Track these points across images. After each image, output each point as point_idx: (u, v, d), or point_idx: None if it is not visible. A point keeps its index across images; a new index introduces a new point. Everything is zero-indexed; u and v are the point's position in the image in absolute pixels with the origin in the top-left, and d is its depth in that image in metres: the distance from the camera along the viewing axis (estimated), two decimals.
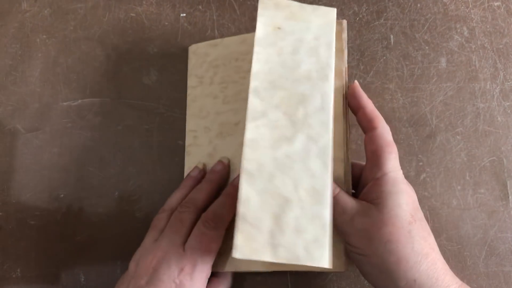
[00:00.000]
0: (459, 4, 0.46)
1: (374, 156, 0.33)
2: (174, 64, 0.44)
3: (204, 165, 0.40)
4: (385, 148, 0.33)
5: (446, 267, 0.31)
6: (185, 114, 0.42)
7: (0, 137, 0.42)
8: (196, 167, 0.39)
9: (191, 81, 0.42)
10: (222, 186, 0.38)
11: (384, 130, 0.33)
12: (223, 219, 0.35)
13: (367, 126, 0.34)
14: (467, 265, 0.39)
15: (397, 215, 0.30)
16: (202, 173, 0.39)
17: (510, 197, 0.41)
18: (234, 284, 0.39)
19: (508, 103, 0.43)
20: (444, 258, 0.39)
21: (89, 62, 0.44)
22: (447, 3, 0.46)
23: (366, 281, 0.39)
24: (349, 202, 0.32)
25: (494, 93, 0.43)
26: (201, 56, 0.42)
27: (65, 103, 0.43)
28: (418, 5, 0.46)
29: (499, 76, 0.44)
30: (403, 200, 0.31)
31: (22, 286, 0.39)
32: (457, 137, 0.42)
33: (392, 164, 0.33)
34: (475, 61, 0.44)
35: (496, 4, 0.46)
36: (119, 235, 0.41)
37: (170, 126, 0.43)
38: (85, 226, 0.41)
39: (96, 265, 0.40)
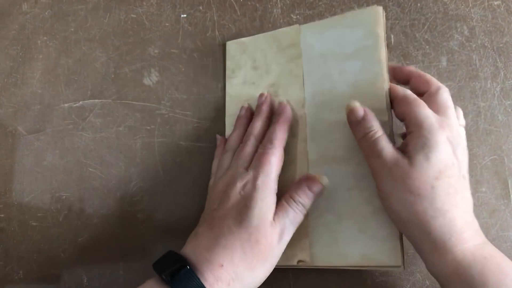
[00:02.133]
0: (459, 3, 0.46)
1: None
2: (175, 65, 0.44)
3: (249, 104, 0.42)
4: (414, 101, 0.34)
5: (469, 225, 0.31)
6: (185, 114, 0.42)
7: (1, 139, 0.42)
8: (242, 107, 0.42)
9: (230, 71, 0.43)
10: (271, 113, 0.41)
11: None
12: (279, 138, 0.37)
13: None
14: None
15: (423, 169, 0.31)
16: (250, 111, 0.42)
17: (511, 195, 0.41)
18: None
19: (509, 102, 0.43)
20: None
21: (90, 63, 0.44)
22: (447, 3, 0.46)
23: (368, 280, 0.39)
24: (386, 147, 0.33)
25: (495, 92, 0.44)
26: (239, 49, 0.43)
27: (66, 105, 0.43)
28: (418, 4, 0.46)
29: (500, 75, 0.44)
30: (434, 154, 0.31)
31: None
32: None
33: (421, 116, 0.33)
34: (475, 60, 0.44)
35: (496, 3, 0.46)
36: (121, 236, 0.41)
37: (171, 126, 0.43)
38: (87, 227, 0.41)
39: (98, 266, 0.40)
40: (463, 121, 0.38)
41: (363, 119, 0.34)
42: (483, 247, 0.31)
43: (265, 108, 0.40)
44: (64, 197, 0.41)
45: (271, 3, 0.46)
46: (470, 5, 0.46)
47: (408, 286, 0.39)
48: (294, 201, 0.35)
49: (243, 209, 0.33)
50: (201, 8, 0.45)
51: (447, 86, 0.43)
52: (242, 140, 0.39)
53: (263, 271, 0.33)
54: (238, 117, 0.42)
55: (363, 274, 0.39)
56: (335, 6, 0.46)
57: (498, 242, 0.40)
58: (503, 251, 0.39)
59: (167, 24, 0.45)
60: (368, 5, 0.45)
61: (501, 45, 0.45)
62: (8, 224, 0.40)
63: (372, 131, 0.34)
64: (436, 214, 0.31)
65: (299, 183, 0.36)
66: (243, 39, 0.44)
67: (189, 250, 0.33)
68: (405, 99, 0.35)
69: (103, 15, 0.45)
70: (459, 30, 0.45)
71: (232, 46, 0.44)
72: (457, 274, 0.30)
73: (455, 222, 0.31)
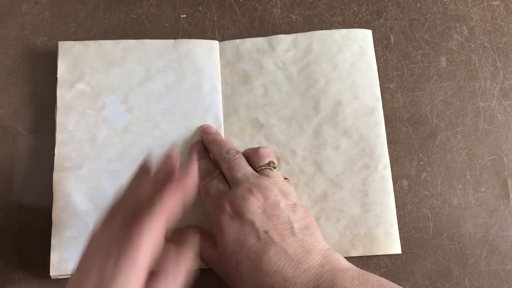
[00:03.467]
0: (459, 3, 0.46)
1: None
2: None
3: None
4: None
5: (291, 280, 0.30)
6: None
7: (1, 139, 0.42)
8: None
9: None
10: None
11: None
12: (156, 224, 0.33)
13: None
14: (469, 264, 0.39)
15: (224, 255, 0.32)
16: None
17: (511, 195, 0.41)
18: None
19: (508, 102, 0.43)
20: (446, 256, 0.39)
21: None
22: (447, 3, 0.46)
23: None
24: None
25: (494, 92, 0.44)
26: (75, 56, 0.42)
27: None
28: (418, 4, 0.46)
29: (499, 75, 0.44)
30: (225, 242, 0.32)
31: None
32: (458, 136, 0.42)
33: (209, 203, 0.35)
34: (475, 60, 0.44)
35: (495, 3, 0.46)
36: None
37: None
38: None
39: None
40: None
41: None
42: None
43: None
44: None
45: (270, 3, 0.46)
46: (470, 5, 0.46)
47: (408, 286, 0.39)
48: None
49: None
50: (200, 8, 0.45)
51: (446, 86, 0.43)
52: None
53: None
54: (192, 148, 0.40)
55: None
56: (334, 7, 0.46)
57: (498, 242, 0.40)
58: (502, 251, 0.39)
59: (166, 25, 0.45)
60: (368, 6, 0.46)
61: (500, 45, 0.45)
62: (8, 225, 0.40)
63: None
64: None
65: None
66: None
67: None
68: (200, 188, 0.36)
69: (103, 15, 0.45)
70: (458, 30, 0.45)
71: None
72: None
73: None
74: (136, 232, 0.26)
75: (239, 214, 0.32)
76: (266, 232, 0.32)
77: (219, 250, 0.33)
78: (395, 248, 0.39)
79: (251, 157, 0.38)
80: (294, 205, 0.34)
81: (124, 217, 0.27)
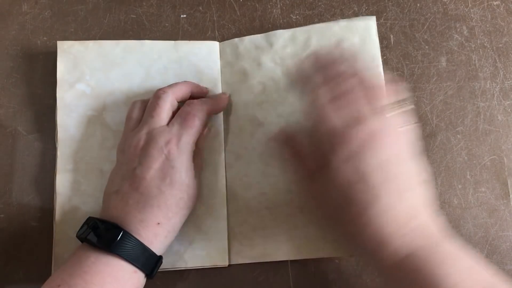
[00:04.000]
0: (459, 3, 0.46)
1: None
2: None
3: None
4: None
5: (395, 237, 0.29)
6: None
7: (1, 139, 0.42)
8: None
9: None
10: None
11: None
12: (206, 104, 0.38)
13: None
14: None
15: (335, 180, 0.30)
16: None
17: (510, 195, 0.41)
18: (236, 285, 0.39)
19: (508, 102, 0.43)
20: None
21: None
22: (447, 3, 0.46)
23: (368, 280, 0.39)
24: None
25: (494, 92, 0.44)
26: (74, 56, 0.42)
27: None
28: (418, 4, 0.46)
29: (499, 75, 0.44)
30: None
31: None
32: (458, 136, 0.42)
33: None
34: (475, 60, 0.44)
35: (495, 3, 0.46)
36: None
37: None
38: None
39: None
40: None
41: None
42: (418, 255, 0.29)
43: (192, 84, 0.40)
44: None
45: (270, 3, 0.46)
46: (470, 5, 0.46)
47: None
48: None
49: (171, 172, 0.34)
50: (200, 8, 0.45)
51: (446, 86, 0.43)
52: (157, 90, 0.38)
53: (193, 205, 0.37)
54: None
55: (363, 274, 0.39)
56: (334, 7, 0.46)
57: (498, 242, 0.40)
58: (502, 251, 0.39)
59: (166, 25, 0.45)
60: (368, 6, 0.46)
61: (500, 45, 0.45)
62: (8, 224, 0.40)
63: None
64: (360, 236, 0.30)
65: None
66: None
67: (116, 212, 0.34)
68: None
69: (103, 15, 0.45)
70: (458, 30, 0.45)
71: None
72: (397, 265, 0.29)
73: (381, 236, 0.29)
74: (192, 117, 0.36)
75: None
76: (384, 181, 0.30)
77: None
78: None
79: None
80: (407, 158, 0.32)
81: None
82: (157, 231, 0.33)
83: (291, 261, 0.39)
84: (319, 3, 0.46)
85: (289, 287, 0.39)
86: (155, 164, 0.34)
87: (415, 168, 0.32)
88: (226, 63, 0.43)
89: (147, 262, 0.33)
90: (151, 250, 0.33)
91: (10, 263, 0.39)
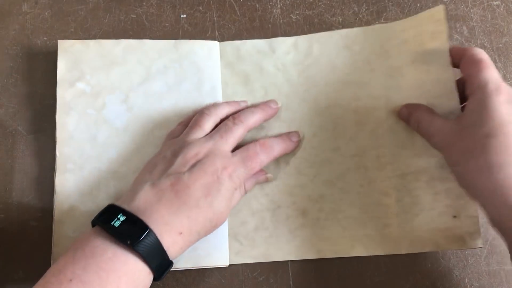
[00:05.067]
0: (459, 3, 0.46)
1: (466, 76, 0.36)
2: None
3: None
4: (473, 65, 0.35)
5: None
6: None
7: (1, 139, 0.42)
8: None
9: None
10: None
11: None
12: (274, 152, 0.39)
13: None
14: (469, 264, 0.39)
15: (474, 128, 0.32)
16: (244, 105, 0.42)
17: None
18: (236, 285, 0.39)
19: None
20: (446, 256, 0.39)
21: None
22: (447, 3, 0.46)
23: (367, 280, 0.39)
24: (434, 124, 0.36)
25: None
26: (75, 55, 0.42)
27: None
28: (418, 4, 0.46)
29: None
30: (489, 112, 0.32)
31: None
32: None
33: (480, 79, 0.34)
34: None
35: (495, 3, 0.46)
36: None
37: None
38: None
39: None
40: None
41: (410, 113, 0.37)
42: None
43: (270, 112, 0.41)
44: None
45: (271, 3, 0.46)
46: (470, 5, 0.46)
47: (408, 286, 0.39)
48: (245, 188, 0.38)
49: (216, 194, 0.34)
50: (201, 8, 0.45)
51: None
52: (233, 116, 0.39)
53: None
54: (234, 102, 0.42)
55: (363, 274, 0.39)
56: (334, 7, 0.46)
57: (498, 242, 0.40)
58: (503, 251, 0.39)
59: (167, 25, 0.45)
60: (368, 6, 0.46)
61: (500, 45, 0.45)
62: (8, 224, 0.40)
63: (418, 120, 0.37)
64: (492, 169, 0.31)
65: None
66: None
67: (144, 204, 0.33)
68: (471, 60, 0.35)
69: (103, 15, 0.45)
70: (458, 30, 0.45)
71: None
72: None
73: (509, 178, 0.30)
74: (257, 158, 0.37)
75: None
76: None
77: (463, 125, 0.34)
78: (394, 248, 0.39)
79: None
80: None
81: None
82: (177, 239, 0.32)
83: (291, 261, 0.39)
84: (319, 3, 0.46)
85: (289, 287, 0.39)
86: (205, 180, 0.34)
87: None
88: (227, 64, 0.43)
89: (161, 266, 0.32)
90: (167, 255, 0.32)
91: (10, 263, 0.39)
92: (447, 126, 0.35)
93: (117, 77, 0.42)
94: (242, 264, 0.39)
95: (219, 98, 0.42)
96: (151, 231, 0.31)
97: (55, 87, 0.41)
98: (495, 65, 0.44)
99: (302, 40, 0.44)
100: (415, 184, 0.39)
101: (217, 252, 0.39)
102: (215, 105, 0.40)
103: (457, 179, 0.35)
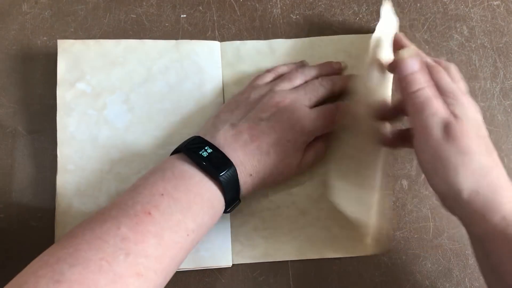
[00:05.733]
0: (459, 3, 0.46)
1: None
2: None
3: None
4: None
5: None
6: None
7: (1, 139, 0.42)
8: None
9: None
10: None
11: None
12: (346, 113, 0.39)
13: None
14: (469, 264, 0.39)
15: (469, 126, 0.31)
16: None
17: None
18: (236, 285, 0.39)
19: (508, 102, 0.43)
20: (446, 256, 0.39)
21: None
22: (447, 3, 0.46)
23: (367, 280, 0.39)
24: (437, 106, 0.32)
25: (494, 92, 0.44)
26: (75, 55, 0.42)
27: None
28: (418, 4, 0.46)
29: (499, 75, 0.44)
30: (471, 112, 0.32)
31: None
32: None
33: (422, 123, 0.32)
34: (475, 60, 0.44)
35: (495, 3, 0.46)
36: None
37: None
38: None
39: None
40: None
41: (418, 72, 0.32)
42: None
43: (344, 82, 0.41)
44: None
45: (270, 3, 0.46)
46: (470, 5, 0.46)
47: (408, 286, 0.39)
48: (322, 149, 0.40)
49: (286, 146, 0.36)
50: (201, 8, 0.45)
51: None
52: (320, 79, 0.40)
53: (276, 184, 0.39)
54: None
55: (363, 274, 0.39)
56: (334, 6, 0.46)
57: None
58: None
59: (167, 24, 0.45)
60: (368, 6, 0.46)
61: (500, 45, 0.45)
62: (8, 224, 0.40)
63: (424, 87, 0.32)
64: (483, 171, 0.30)
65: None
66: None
67: (225, 142, 0.35)
68: (407, 96, 0.34)
69: (103, 15, 0.45)
70: (458, 30, 0.45)
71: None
72: (505, 234, 0.29)
73: (499, 180, 0.30)
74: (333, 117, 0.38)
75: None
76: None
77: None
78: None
79: None
80: None
81: None
82: (247, 180, 0.35)
83: (291, 261, 0.39)
84: (319, 3, 0.46)
85: (289, 287, 0.39)
86: (279, 129, 0.36)
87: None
88: (227, 64, 0.43)
89: (232, 200, 0.35)
90: (240, 192, 0.35)
91: (10, 263, 0.39)
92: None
93: (117, 78, 0.42)
94: (242, 264, 0.39)
95: (220, 98, 0.42)
96: (234, 166, 0.34)
97: (55, 87, 0.41)
98: (495, 65, 0.44)
99: (301, 43, 0.44)
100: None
101: (220, 253, 0.39)
102: (308, 67, 0.42)
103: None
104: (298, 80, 0.40)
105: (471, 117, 0.31)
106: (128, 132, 0.41)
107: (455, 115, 0.31)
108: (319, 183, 0.40)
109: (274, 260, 0.39)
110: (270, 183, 0.38)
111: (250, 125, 0.36)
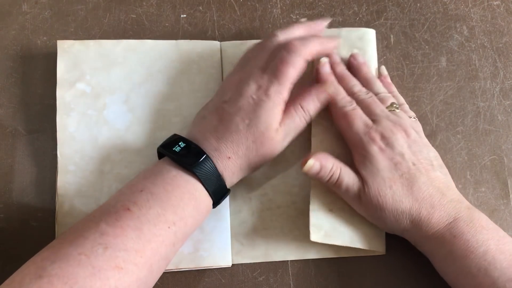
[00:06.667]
0: (459, 3, 0.46)
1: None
2: None
3: None
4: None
5: (436, 208, 0.35)
6: None
7: (1, 139, 0.42)
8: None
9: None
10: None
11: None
12: (307, 47, 0.37)
13: None
14: None
15: (377, 186, 0.35)
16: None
17: (510, 195, 0.41)
18: (236, 285, 0.39)
19: (508, 102, 0.43)
20: None
21: None
22: (447, 3, 0.46)
23: (368, 281, 0.39)
24: (346, 183, 0.36)
25: (494, 92, 0.44)
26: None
27: None
28: (418, 4, 0.46)
29: (499, 75, 0.44)
30: (376, 168, 0.35)
31: None
32: (458, 136, 0.42)
33: (358, 130, 0.37)
34: (475, 60, 0.44)
35: (495, 3, 0.46)
36: None
37: None
38: None
39: None
40: (402, 100, 0.41)
41: (321, 171, 0.36)
42: (454, 225, 0.34)
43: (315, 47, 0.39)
44: None
45: (270, 3, 0.46)
46: (470, 5, 0.46)
47: (408, 286, 0.39)
48: (302, 109, 0.37)
49: (252, 115, 0.35)
50: (201, 8, 0.45)
51: (446, 86, 0.43)
52: (285, 48, 0.37)
53: (263, 165, 0.37)
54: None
55: (363, 274, 0.39)
56: (334, 6, 0.46)
57: None
58: None
59: (167, 24, 0.45)
60: (368, 6, 0.46)
61: (500, 45, 0.45)
62: (8, 224, 0.40)
63: (331, 176, 0.36)
64: (404, 218, 0.35)
65: (308, 91, 0.38)
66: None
67: (198, 134, 0.36)
68: (336, 114, 0.38)
69: (103, 15, 0.45)
70: (458, 30, 0.45)
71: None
72: (433, 254, 0.36)
73: (419, 216, 0.35)
74: (283, 66, 0.35)
75: (389, 146, 0.36)
76: (414, 164, 0.35)
77: (368, 177, 0.36)
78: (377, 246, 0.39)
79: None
80: (426, 144, 0.38)
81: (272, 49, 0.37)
82: (227, 164, 0.35)
83: (291, 261, 0.40)
84: (319, 3, 0.46)
85: (289, 287, 0.39)
86: (241, 104, 0.35)
87: (433, 154, 0.37)
88: (228, 64, 0.43)
89: (218, 190, 0.35)
90: (223, 180, 0.35)
91: (10, 263, 0.39)
92: (359, 183, 0.36)
93: (117, 78, 0.42)
94: (242, 264, 0.39)
95: None
96: (207, 156, 0.34)
97: (55, 87, 0.41)
98: (495, 65, 0.44)
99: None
100: None
101: (219, 253, 0.39)
102: (286, 30, 0.39)
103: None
104: (263, 53, 0.38)
105: (374, 170, 0.36)
106: (128, 132, 0.41)
107: (362, 176, 0.36)
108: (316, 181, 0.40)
109: (274, 260, 0.39)
110: (257, 162, 0.36)
111: (216, 112, 0.36)
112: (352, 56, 0.42)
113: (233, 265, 0.39)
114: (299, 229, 0.40)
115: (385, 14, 0.45)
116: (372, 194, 0.35)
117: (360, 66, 0.41)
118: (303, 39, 0.37)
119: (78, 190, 0.39)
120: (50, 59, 0.43)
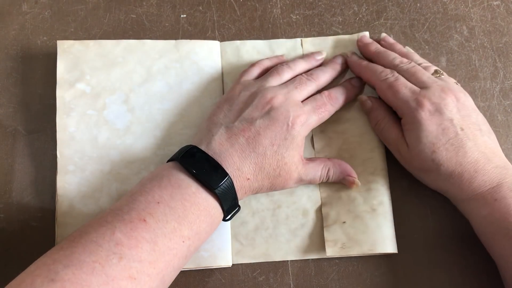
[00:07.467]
0: (459, 3, 0.46)
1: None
2: None
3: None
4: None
5: (480, 172, 0.35)
6: None
7: (1, 139, 0.42)
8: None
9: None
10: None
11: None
12: (340, 101, 0.40)
13: None
14: (469, 263, 0.39)
15: (418, 150, 0.36)
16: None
17: None
18: (236, 285, 0.39)
19: (508, 102, 0.43)
20: (446, 256, 0.39)
21: None
22: (447, 3, 0.46)
23: (367, 280, 0.39)
24: (390, 134, 0.39)
25: (494, 92, 0.44)
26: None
27: None
28: (418, 4, 0.46)
29: (499, 75, 0.44)
30: (422, 133, 0.36)
31: None
32: None
33: (406, 98, 0.37)
34: (475, 60, 0.44)
35: (495, 3, 0.46)
36: None
37: None
38: None
39: None
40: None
41: (372, 108, 0.40)
42: (497, 189, 0.35)
43: (339, 68, 0.42)
44: None
45: (270, 3, 0.46)
46: (470, 5, 0.46)
47: (408, 286, 0.39)
48: (328, 173, 0.39)
49: (282, 143, 0.36)
50: (200, 8, 0.45)
51: None
52: (308, 73, 0.41)
53: (275, 190, 0.38)
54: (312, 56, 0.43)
55: (363, 274, 0.39)
56: (334, 6, 0.46)
57: None
58: None
59: (167, 24, 0.45)
60: (368, 6, 0.46)
61: (500, 45, 0.45)
62: (8, 224, 0.40)
63: (379, 120, 0.39)
64: (445, 180, 0.36)
65: (344, 166, 0.39)
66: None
67: (219, 148, 0.35)
68: (380, 88, 0.39)
69: (103, 15, 0.45)
70: (458, 30, 0.45)
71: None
72: (472, 215, 0.36)
73: (461, 179, 0.35)
74: (326, 108, 0.39)
75: (438, 111, 0.36)
76: (462, 129, 0.36)
77: (411, 141, 0.37)
78: (391, 247, 0.39)
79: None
80: (475, 109, 0.38)
81: None
82: (244, 184, 0.35)
83: (291, 261, 0.40)
84: (319, 3, 0.46)
85: (289, 287, 0.39)
86: (275, 128, 0.36)
87: (482, 118, 0.38)
88: (227, 64, 0.43)
89: (232, 208, 0.35)
90: (237, 198, 0.35)
91: (10, 263, 0.39)
92: (400, 142, 0.38)
93: (117, 78, 0.42)
94: (242, 264, 0.39)
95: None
96: (229, 176, 0.34)
97: (55, 87, 0.41)
98: (495, 65, 0.44)
99: (301, 42, 0.44)
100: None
101: (219, 253, 0.39)
102: (294, 61, 0.42)
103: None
104: (286, 74, 0.40)
105: (421, 136, 0.36)
106: (128, 132, 0.41)
107: (406, 139, 0.37)
108: (319, 183, 0.40)
109: (274, 260, 0.39)
110: (268, 187, 0.37)
111: (244, 127, 0.36)
112: (382, 39, 0.43)
113: (233, 265, 0.39)
114: (299, 229, 0.40)
115: (385, 14, 0.45)
116: (413, 155, 0.36)
117: (392, 45, 0.43)
118: (338, 90, 0.40)
119: (78, 190, 0.39)
120: (50, 59, 0.43)
